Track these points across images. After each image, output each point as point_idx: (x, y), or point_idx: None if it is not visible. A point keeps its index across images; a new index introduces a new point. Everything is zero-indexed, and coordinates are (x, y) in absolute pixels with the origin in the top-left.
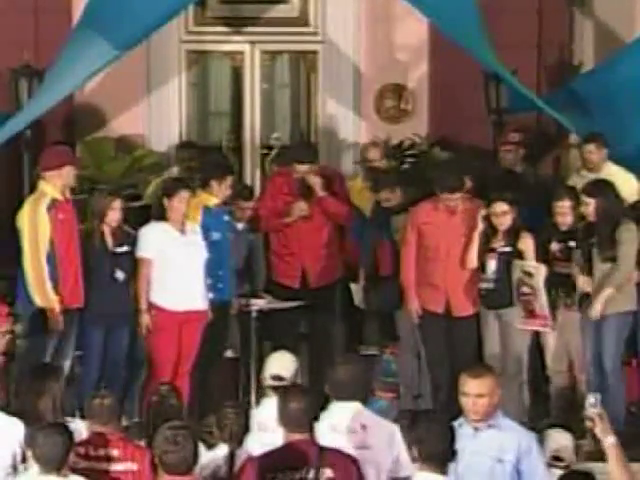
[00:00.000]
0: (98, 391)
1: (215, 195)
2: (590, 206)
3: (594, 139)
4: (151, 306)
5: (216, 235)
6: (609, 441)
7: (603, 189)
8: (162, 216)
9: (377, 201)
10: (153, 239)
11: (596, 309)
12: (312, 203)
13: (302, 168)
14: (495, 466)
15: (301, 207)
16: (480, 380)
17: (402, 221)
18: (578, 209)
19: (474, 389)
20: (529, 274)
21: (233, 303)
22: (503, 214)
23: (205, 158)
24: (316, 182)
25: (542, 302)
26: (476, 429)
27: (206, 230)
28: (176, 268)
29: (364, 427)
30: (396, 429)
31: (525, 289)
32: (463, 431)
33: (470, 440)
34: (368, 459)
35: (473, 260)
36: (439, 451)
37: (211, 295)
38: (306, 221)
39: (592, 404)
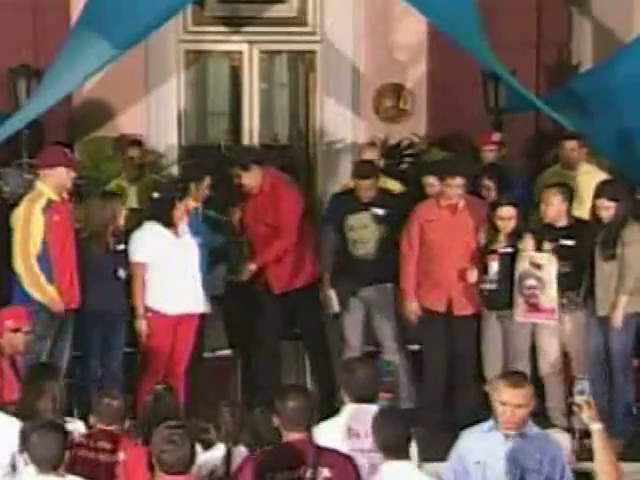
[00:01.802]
0: (108, 391)
1: (193, 197)
2: (611, 209)
3: (576, 137)
4: (146, 309)
5: (198, 239)
6: (595, 427)
7: (623, 192)
8: (162, 218)
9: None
10: (148, 242)
11: (617, 320)
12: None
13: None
14: (526, 475)
15: (234, 216)
16: (520, 390)
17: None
18: (566, 205)
19: (514, 399)
20: (538, 266)
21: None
22: (509, 219)
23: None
24: (246, 273)
25: (551, 295)
26: (507, 436)
27: (191, 234)
28: (171, 271)
29: None
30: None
31: (531, 282)
32: (493, 437)
33: (501, 447)
34: None
35: (474, 275)
36: (394, 441)
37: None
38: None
39: (580, 391)
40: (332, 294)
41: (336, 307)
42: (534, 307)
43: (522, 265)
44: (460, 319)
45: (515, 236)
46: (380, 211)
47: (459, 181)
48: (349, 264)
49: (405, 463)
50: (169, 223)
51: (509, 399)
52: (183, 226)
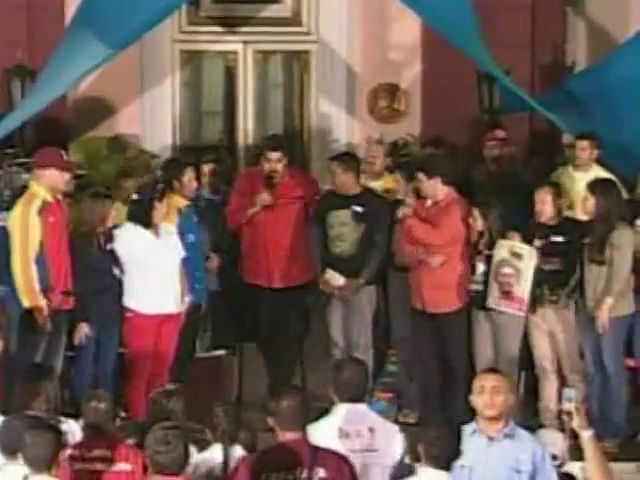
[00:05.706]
0: (94, 392)
1: (180, 194)
2: (589, 202)
3: (588, 137)
4: (127, 309)
5: (191, 237)
6: (586, 435)
7: (605, 188)
8: (142, 219)
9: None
10: (124, 243)
11: (602, 323)
12: (275, 197)
13: (273, 156)
14: (512, 476)
15: (263, 197)
16: (496, 375)
17: None
18: (559, 202)
19: (491, 381)
20: (518, 255)
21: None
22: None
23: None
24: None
25: (526, 286)
26: (490, 438)
27: (182, 232)
28: (151, 271)
29: (371, 430)
30: (399, 430)
31: (507, 270)
32: (477, 440)
33: (485, 450)
34: (374, 462)
35: (436, 261)
36: (447, 454)
37: (189, 297)
38: (269, 217)
39: (568, 399)
40: (329, 271)
41: (340, 279)
42: (507, 295)
43: (500, 253)
44: (439, 316)
45: (499, 237)
46: (360, 209)
47: (433, 181)
48: (329, 261)
49: (442, 473)
50: (148, 224)
51: (487, 382)
52: (164, 226)
